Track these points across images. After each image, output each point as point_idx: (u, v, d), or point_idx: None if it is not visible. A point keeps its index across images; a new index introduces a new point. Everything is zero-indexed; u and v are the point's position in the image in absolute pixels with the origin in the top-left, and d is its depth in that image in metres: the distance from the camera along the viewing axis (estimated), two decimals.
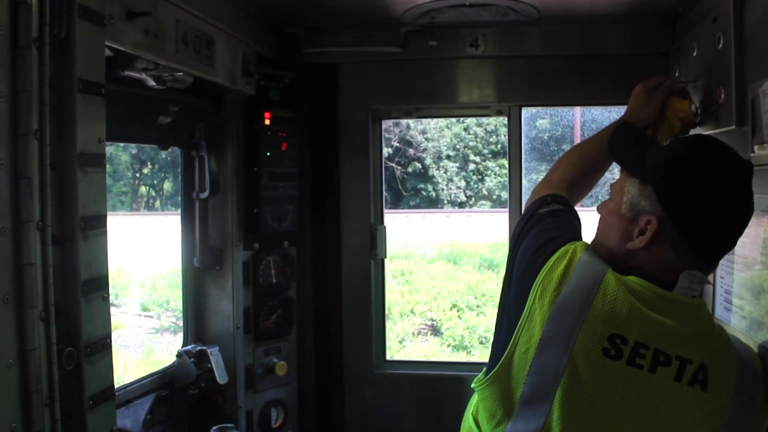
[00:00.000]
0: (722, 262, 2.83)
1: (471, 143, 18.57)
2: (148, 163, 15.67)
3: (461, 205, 19.08)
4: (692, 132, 2.91)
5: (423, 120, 15.49)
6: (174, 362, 3.47)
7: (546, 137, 14.89)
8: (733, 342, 2.05)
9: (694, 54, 3.11)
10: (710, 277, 3.00)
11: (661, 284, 1.92)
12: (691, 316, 1.95)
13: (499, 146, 17.98)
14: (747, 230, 2.57)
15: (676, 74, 3.43)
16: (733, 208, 1.93)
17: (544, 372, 1.88)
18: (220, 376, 3.52)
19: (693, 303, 1.95)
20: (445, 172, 18.77)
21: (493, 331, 2.13)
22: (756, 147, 2.43)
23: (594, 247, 2.07)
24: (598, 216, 2.15)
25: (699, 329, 1.96)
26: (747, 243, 2.60)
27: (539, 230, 2.09)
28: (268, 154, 3.78)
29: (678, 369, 1.88)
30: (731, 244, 2.00)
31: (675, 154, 1.96)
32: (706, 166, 1.91)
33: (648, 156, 2.01)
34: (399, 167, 18.25)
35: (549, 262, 1.95)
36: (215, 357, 3.54)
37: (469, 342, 11.58)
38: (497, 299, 2.19)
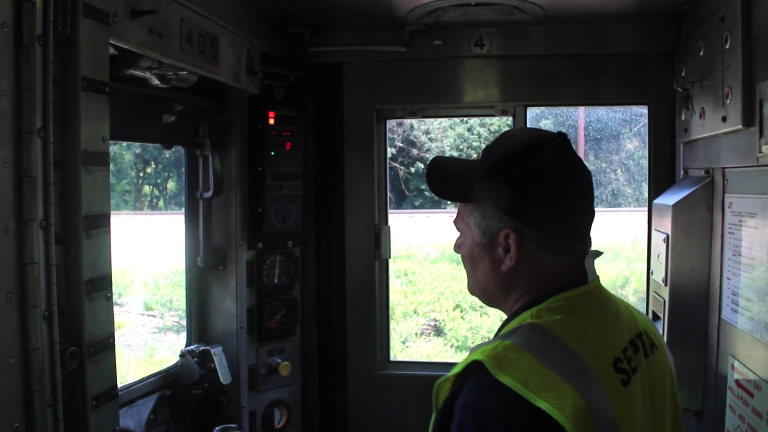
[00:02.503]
0: (729, 263, 2.83)
1: (474, 143, 18.56)
2: (152, 162, 15.68)
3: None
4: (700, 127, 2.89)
5: (426, 120, 15.53)
6: (177, 362, 3.46)
7: None
8: None
9: (701, 53, 3.09)
10: (717, 279, 3.00)
11: (569, 287, 1.82)
12: (611, 296, 1.92)
13: None
14: (754, 231, 2.57)
15: (683, 74, 3.41)
16: (570, 176, 1.83)
17: None
18: (224, 376, 3.52)
19: (601, 284, 1.90)
20: None
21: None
22: (764, 147, 2.42)
23: (479, 293, 1.97)
24: (462, 261, 1.99)
25: (620, 303, 1.94)
26: (753, 244, 2.59)
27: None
28: (273, 153, 3.77)
29: (642, 347, 1.85)
30: (591, 211, 1.89)
31: (490, 163, 1.86)
32: (522, 156, 1.80)
33: (469, 177, 1.90)
34: (402, 167, 18.25)
35: (501, 377, 1.62)
36: (218, 357, 3.53)
37: (473, 342, 11.56)
38: None
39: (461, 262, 2.01)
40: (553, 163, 1.79)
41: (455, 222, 1.97)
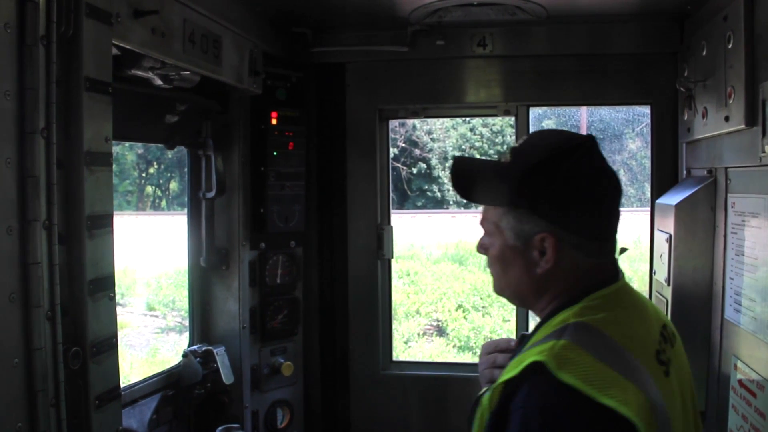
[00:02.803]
0: (732, 263, 2.83)
1: (477, 144, 18.57)
2: (154, 163, 15.70)
3: (467, 205, 19.05)
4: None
5: (429, 120, 15.51)
6: (180, 362, 3.46)
7: None
8: None
9: (704, 53, 3.09)
10: (719, 279, 2.99)
11: (602, 286, 1.86)
12: (637, 291, 1.96)
13: (505, 147, 17.94)
14: (756, 231, 2.57)
15: (685, 74, 3.41)
16: (602, 179, 1.87)
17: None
18: (226, 376, 3.52)
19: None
20: None
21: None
22: (767, 147, 2.42)
23: (509, 294, 1.98)
24: (489, 262, 1.99)
25: (643, 297, 1.98)
26: (756, 244, 2.59)
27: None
28: (275, 153, 3.77)
29: (668, 338, 1.90)
30: (618, 213, 1.92)
31: (525, 167, 1.86)
32: (556, 160, 1.83)
33: (501, 181, 1.90)
34: (405, 168, 18.26)
35: (566, 378, 1.63)
36: (221, 357, 3.53)
37: (475, 343, 11.55)
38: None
39: (486, 264, 2.01)
40: (588, 168, 1.84)
41: (482, 223, 1.97)
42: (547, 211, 1.81)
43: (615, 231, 1.90)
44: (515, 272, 1.90)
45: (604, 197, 1.87)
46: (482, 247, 1.99)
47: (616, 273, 1.90)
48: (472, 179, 2.03)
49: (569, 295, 1.85)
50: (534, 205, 1.82)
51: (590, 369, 1.63)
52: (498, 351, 2.15)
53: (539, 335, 1.81)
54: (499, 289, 1.99)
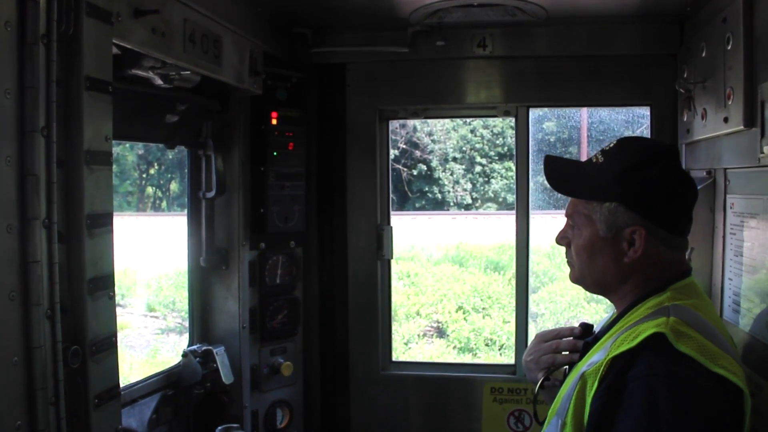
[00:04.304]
0: (731, 264, 2.83)
1: (477, 145, 18.58)
2: (155, 164, 15.71)
3: (467, 207, 19.09)
4: None
5: (429, 122, 15.51)
6: (180, 362, 3.46)
7: (552, 139, 14.88)
8: None
9: (703, 55, 3.10)
10: (718, 280, 3.00)
11: (681, 277, 2.08)
12: None
13: (506, 148, 18.00)
14: (755, 232, 2.58)
15: (685, 75, 3.41)
16: (686, 183, 2.10)
17: None
18: (226, 376, 3.52)
19: None
20: (452, 174, 18.79)
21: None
22: (765, 148, 2.42)
23: (590, 281, 2.18)
24: (572, 251, 2.19)
25: None
26: (755, 245, 2.59)
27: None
28: (275, 153, 3.77)
29: None
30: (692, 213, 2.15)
31: (622, 167, 2.07)
32: (650, 162, 2.05)
33: (598, 177, 2.11)
34: (405, 169, 18.26)
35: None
36: (221, 357, 3.53)
37: (475, 344, 11.56)
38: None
39: (565, 254, 2.24)
40: (676, 170, 2.09)
41: (571, 216, 2.17)
42: (640, 205, 2.03)
43: (690, 228, 2.13)
44: (602, 261, 2.11)
45: (687, 196, 2.10)
46: (563, 239, 2.20)
47: (690, 266, 2.14)
48: (566, 175, 2.24)
49: (654, 284, 2.06)
50: (628, 200, 2.04)
51: (701, 342, 1.84)
52: (559, 338, 2.37)
53: (632, 317, 2.01)
54: (580, 277, 2.20)
